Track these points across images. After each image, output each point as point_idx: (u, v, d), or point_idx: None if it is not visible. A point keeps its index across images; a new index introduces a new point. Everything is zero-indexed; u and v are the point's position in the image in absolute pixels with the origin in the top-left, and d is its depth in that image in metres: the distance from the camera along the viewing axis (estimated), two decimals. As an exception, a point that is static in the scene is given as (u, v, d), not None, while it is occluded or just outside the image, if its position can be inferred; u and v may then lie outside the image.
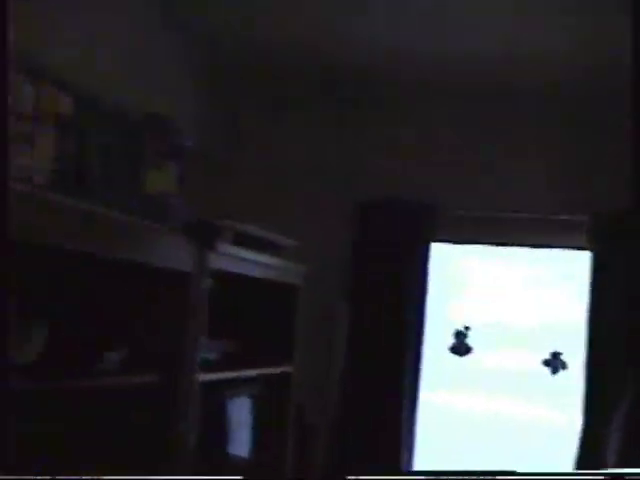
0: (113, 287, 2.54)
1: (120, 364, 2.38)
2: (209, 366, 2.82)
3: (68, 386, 2.18)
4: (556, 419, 4.26)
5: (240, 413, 3.23)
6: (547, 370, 4.20)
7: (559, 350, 4.19)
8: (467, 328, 4.30)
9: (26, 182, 1.91)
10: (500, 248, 4.30)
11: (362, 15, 3.23)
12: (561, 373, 4.19)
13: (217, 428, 3.02)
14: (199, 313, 2.60)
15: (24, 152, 1.91)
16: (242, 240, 2.96)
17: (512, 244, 4.25)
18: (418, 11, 3.15)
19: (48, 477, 1.74)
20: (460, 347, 4.30)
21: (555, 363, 4.20)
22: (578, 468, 3.75)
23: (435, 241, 4.16)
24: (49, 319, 2.35)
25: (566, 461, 3.84)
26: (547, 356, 4.20)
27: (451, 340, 4.30)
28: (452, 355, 4.28)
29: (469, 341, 4.29)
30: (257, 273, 3.11)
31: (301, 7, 3.23)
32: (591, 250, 3.91)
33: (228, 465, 3.14)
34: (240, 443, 3.24)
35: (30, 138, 1.91)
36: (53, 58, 2.16)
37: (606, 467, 3.65)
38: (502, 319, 4.30)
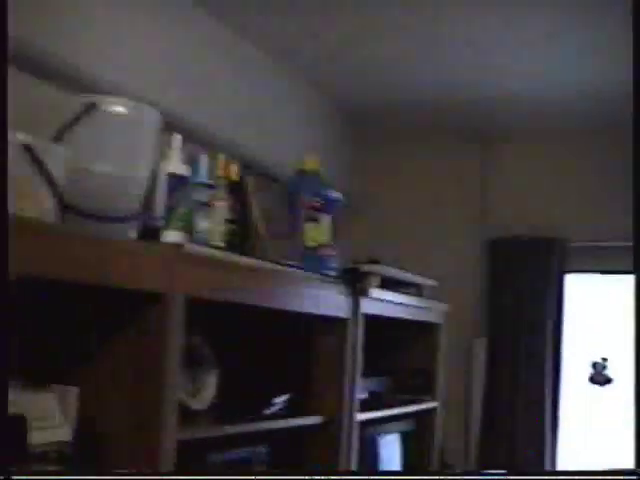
0: (276, 335, 2.71)
1: (285, 407, 2.54)
2: (363, 405, 2.95)
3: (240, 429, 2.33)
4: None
5: (390, 450, 3.34)
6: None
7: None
8: (605, 359, 4.30)
9: (204, 244, 2.10)
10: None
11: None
12: None
13: (370, 465, 3.14)
14: (355, 355, 2.74)
15: (203, 217, 2.10)
16: (388, 283, 3.11)
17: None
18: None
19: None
20: (599, 377, 4.30)
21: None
22: None
23: (568, 272, 4.21)
24: (220, 367, 2.53)
25: None
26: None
27: (589, 371, 4.30)
28: (592, 385, 4.28)
29: (608, 372, 4.28)
30: (401, 314, 3.24)
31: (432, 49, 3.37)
32: None
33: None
34: None
35: (208, 204, 2.10)
36: (223, 131, 2.38)
37: None
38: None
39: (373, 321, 3.06)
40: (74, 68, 2.19)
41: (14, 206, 1.54)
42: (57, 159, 1.63)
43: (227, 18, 2.90)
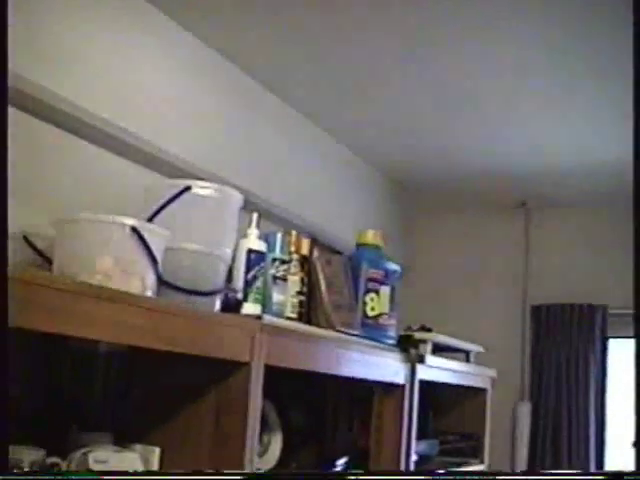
0: (338, 402, 2.85)
1: (345, 469, 2.67)
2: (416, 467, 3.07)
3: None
4: None
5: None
6: None
7: None
8: (649, 423, 4.36)
9: (278, 315, 2.25)
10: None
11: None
12: None
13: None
14: (411, 420, 2.87)
15: (278, 290, 2.26)
16: (437, 349, 3.24)
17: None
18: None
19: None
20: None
21: None
22: None
23: (610, 338, 4.31)
24: (284, 430, 2.67)
25: None
26: None
27: (632, 436, 4.36)
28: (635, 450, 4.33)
29: (652, 436, 4.34)
30: (452, 379, 3.36)
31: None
32: None
33: None
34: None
35: (283, 278, 2.26)
36: (293, 209, 2.56)
37: None
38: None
39: (424, 385, 3.19)
40: (169, 155, 2.42)
41: (121, 282, 1.71)
42: (159, 240, 1.81)
43: (293, 101, 3.14)
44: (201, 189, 2.01)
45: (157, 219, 1.95)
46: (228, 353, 1.96)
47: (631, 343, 4.36)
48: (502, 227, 4.53)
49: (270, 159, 3.06)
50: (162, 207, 1.96)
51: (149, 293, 1.81)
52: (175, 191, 1.97)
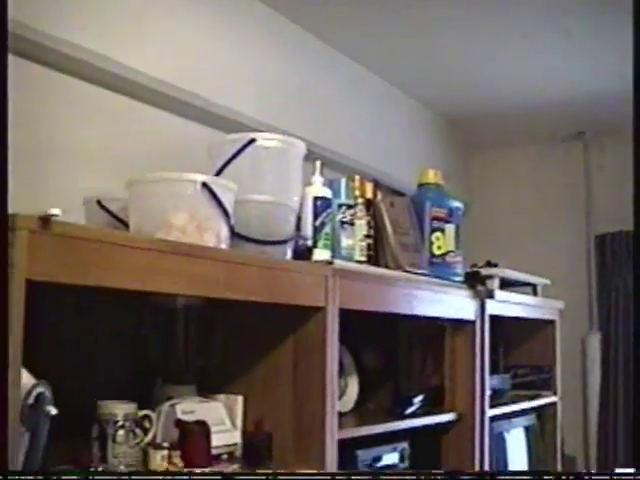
0: (407, 339, 2.90)
1: (422, 406, 2.71)
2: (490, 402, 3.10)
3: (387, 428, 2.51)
4: None
5: (516, 443, 3.48)
6: None
7: None
8: None
9: (348, 259, 2.29)
10: None
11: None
12: None
13: (500, 459, 3.28)
14: (483, 354, 2.90)
15: (346, 235, 2.29)
16: (504, 284, 3.25)
17: None
18: None
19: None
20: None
21: None
22: None
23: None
24: (360, 372, 2.72)
25: None
26: None
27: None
28: None
29: None
30: (521, 313, 3.37)
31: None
32: None
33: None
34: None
35: (350, 222, 2.29)
36: (355, 155, 2.59)
37: None
38: None
39: (493, 320, 3.21)
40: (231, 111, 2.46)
41: (196, 237, 1.76)
42: (229, 194, 1.85)
43: (347, 50, 3.16)
44: (265, 141, 2.04)
45: (224, 174, 2.00)
46: (303, 299, 2.01)
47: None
48: (561, 158, 4.49)
49: (328, 108, 3.09)
50: (229, 161, 2.00)
51: (223, 246, 1.85)
52: (239, 145, 2.01)
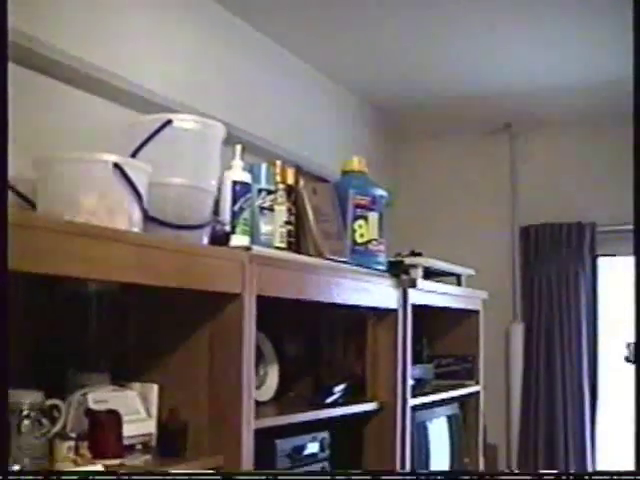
0: (329, 327, 2.87)
1: (343, 395, 2.69)
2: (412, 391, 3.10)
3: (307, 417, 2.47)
4: None
5: (438, 433, 3.49)
6: None
7: None
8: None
9: (267, 246, 2.25)
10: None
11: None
12: None
13: (422, 448, 3.28)
14: (405, 344, 2.89)
15: (265, 220, 2.25)
16: (430, 274, 3.25)
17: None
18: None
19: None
20: (634, 357, 4.41)
21: None
22: None
23: (600, 256, 4.34)
24: (281, 361, 2.69)
25: None
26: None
27: (624, 351, 4.41)
28: (628, 365, 4.39)
29: (642, 350, 4.38)
30: (444, 302, 3.38)
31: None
32: None
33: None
34: (440, 462, 3.49)
35: (269, 208, 2.25)
36: (277, 140, 2.54)
37: None
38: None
39: (416, 311, 3.20)
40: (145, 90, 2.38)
41: (106, 219, 1.70)
42: (142, 175, 1.79)
43: (273, 34, 3.12)
44: (183, 122, 1.99)
45: (141, 155, 1.94)
46: (219, 285, 1.96)
47: (620, 260, 4.43)
48: (487, 150, 4.51)
49: (251, 92, 3.02)
50: (144, 142, 1.94)
51: (135, 229, 1.79)
52: (156, 126, 1.95)
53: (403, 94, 4.09)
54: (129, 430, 1.92)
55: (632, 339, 4.38)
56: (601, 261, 4.36)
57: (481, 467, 3.82)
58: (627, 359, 4.43)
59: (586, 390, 4.22)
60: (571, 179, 4.34)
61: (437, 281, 3.42)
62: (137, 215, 1.79)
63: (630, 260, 4.31)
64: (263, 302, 2.21)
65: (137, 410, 2.05)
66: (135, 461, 1.90)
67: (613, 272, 4.42)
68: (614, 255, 4.41)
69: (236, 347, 2.01)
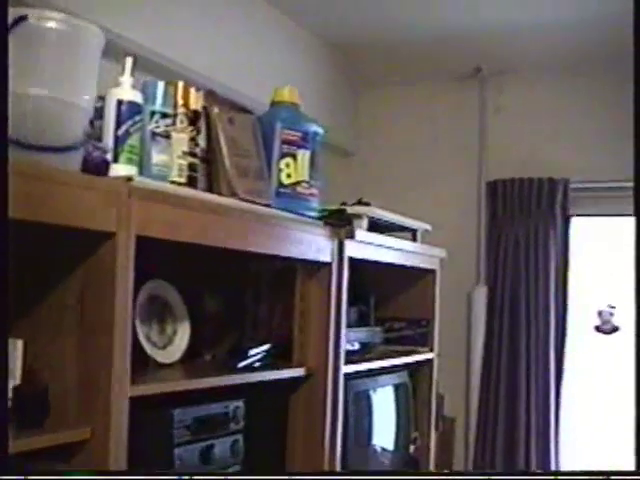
0: (253, 281, 2.53)
1: (265, 358, 2.35)
2: (352, 357, 2.77)
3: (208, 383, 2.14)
4: None
5: (384, 403, 3.17)
6: None
7: None
8: (612, 307, 4.10)
9: (161, 179, 1.89)
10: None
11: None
12: None
13: (362, 418, 2.96)
14: (340, 302, 2.55)
15: (159, 150, 1.89)
16: (376, 226, 2.91)
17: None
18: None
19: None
20: (606, 326, 4.11)
21: None
22: None
23: (572, 216, 4.00)
24: (194, 318, 2.35)
25: None
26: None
27: (596, 319, 4.11)
28: (598, 334, 4.09)
29: (615, 319, 4.09)
30: (392, 258, 3.03)
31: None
32: None
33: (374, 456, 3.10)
34: (384, 434, 3.18)
35: (165, 135, 1.90)
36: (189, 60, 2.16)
37: None
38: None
39: (362, 267, 2.85)
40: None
41: None
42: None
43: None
44: (42, 20, 1.61)
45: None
46: (87, 222, 1.61)
47: (594, 222, 4.09)
48: (455, 97, 4.15)
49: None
50: (-6, 43, 1.57)
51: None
52: (10, 21, 1.57)
53: (363, 34, 3.73)
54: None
55: (604, 307, 4.13)
56: (574, 221, 4.02)
57: (432, 441, 3.51)
58: (597, 328, 4.13)
59: (552, 360, 3.90)
60: (545, 131, 3.99)
61: (391, 236, 3.08)
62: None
63: (605, 221, 4.10)
64: (173, 249, 1.90)
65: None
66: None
67: (586, 234, 4.09)
68: (588, 215, 4.07)
69: (109, 296, 1.66)
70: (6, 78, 1.41)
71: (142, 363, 2.09)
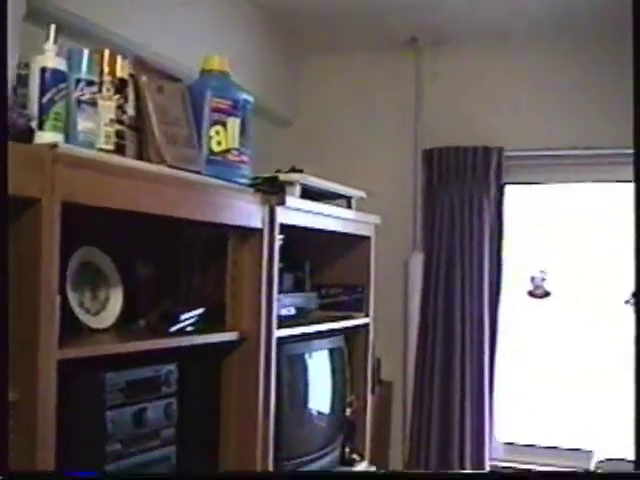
0: (186, 248, 2.56)
1: (197, 322, 2.39)
2: (286, 321, 2.82)
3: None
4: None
5: (318, 367, 3.23)
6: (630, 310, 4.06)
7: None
8: (543, 272, 4.21)
9: (87, 146, 1.91)
10: (567, 185, 4.18)
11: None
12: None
13: (297, 381, 3.03)
14: (272, 267, 2.59)
15: (85, 117, 1.91)
16: (310, 193, 2.95)
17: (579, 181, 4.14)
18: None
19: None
20: (538, 291, 4.22)
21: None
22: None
23: (506, 184, 4.08)
24: (127, 284, 2.38)
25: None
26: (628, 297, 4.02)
27: (528, 284, 4.22)
28: (530, 299, 4.20)
29: (546, 284, 4.20)
30: (325, 225, 3.08)
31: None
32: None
33: (310, 419, 3.17)
34: (319, 398, 3.25)
35: (91, 102, 1.91)
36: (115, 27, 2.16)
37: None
38: (578, 260, 4.17)
39: (300, 234, 2.90)
40: None
41: None
42: None
43: None
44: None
45: None
46: (11, 188, 1.62)
47: (528, 189, 4.19)
48: (392, 66, 4.19)
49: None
50: None
51: None
52: None
53: (303, 3, 3.74)
54: None
55: (536, 273, 4.24)
56: (508, 189, 4.10)
57: (369, 405, 3.59)
58: (530, 293, 4.24)
59: (486, 323, 3.99)
60: (480, 100, 4.04)
61: (327, 203, 3.13)
62: None
63: (539, 189, 4.20)
64: (105, 217, 1.93)
65: None
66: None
67: (520, 201, 4.18)
68: (522, 183, 4.17)
69: (33, 262, 1.69)
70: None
71: (75, 328, 2.13)
